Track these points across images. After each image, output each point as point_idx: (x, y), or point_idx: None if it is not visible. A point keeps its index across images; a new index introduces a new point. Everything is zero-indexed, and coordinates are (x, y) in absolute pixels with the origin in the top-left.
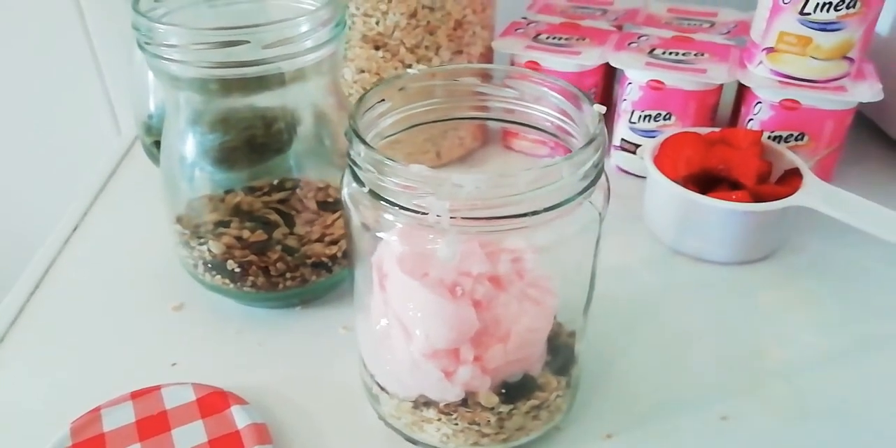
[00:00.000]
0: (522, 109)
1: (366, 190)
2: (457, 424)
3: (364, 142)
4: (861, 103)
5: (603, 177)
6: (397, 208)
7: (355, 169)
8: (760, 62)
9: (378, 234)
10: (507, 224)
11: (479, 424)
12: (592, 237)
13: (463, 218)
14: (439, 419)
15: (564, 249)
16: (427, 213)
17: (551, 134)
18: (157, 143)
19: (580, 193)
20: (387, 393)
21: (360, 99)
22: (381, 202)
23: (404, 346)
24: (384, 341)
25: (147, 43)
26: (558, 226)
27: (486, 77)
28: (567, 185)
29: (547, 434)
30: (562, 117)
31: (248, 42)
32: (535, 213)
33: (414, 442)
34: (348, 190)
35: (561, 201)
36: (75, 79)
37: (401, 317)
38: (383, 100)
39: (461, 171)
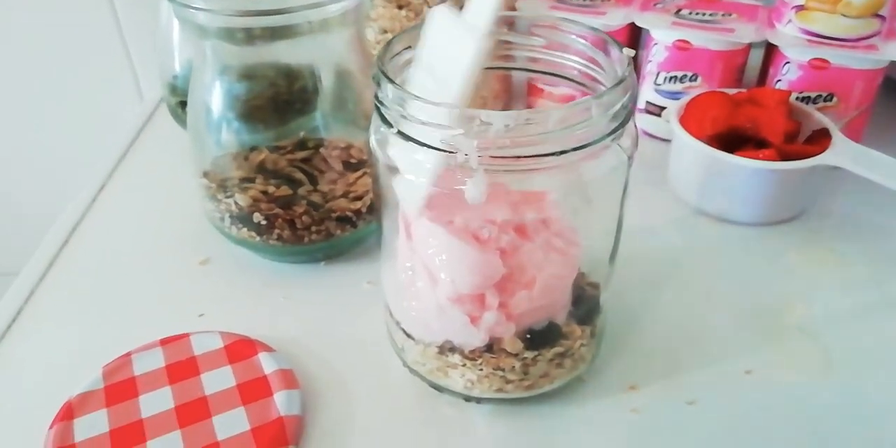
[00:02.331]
0: (549, 58)
1: (394, 131)
2: (481, 370)
3: (392, 81)
4: (889, 67)
5: (631, 121)
6: (426, 147)
7: (383, 110)
8: (789, 21)
9: (406, 176)
10: (536, 163)
11: (503, 370)
12: (620, 182)
13: (491, 157)
14: (464, 365)
15: (592, 194)
16: (455, 152)
17: (578, 83)
18: (182, 104)
19: (609, 135)
20: (412, 339)
21: (389, 42)
22: (410, 142)
23: (430, 291)
24: (410, 287)
25: None
26: (587, 168)
27: (512, 25)
28: (596, 126)
29: (570, 384)
30: (589, 64)
31: None
32: (563, 152)
33: (439, 388)
34: (376, 136)
35: (590, 141)
36: (98, 45)
37: (427, 262)
38: (409, 47)
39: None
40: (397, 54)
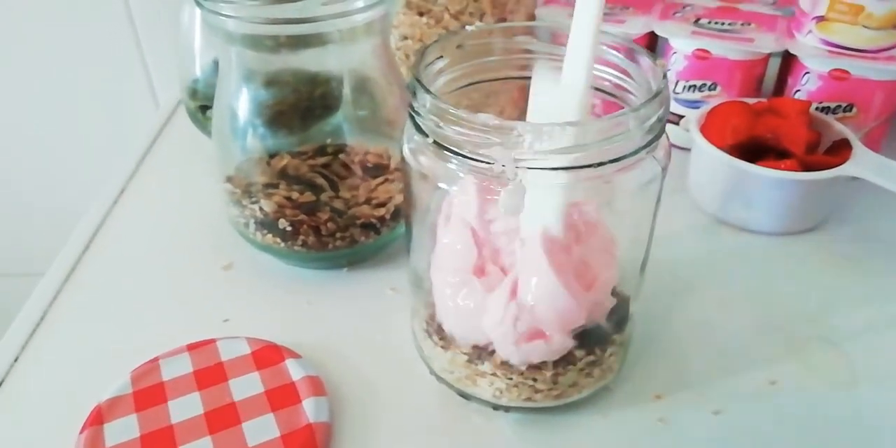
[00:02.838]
0: None
1: (430, 141)
2: (511, 379)
3: (429, 91)
4: None
5: (664, 134)
6: (462, 158)
7: (418, 120)
8: (810, 31)
9: (452, 189)
10: (573, 175)
11: (534, 380)
12: (653, 193)
13: (528, 168)
14: (493, 373)
15: (626, 205)
16: (492, 163)
17: (604, 92)
18: (202, 108)
19: (644, 147)
20: (440, 348)
21: (422, 52)
22: (445, 152)
23: (502, 306)
24: (462, 289)
25: None
26: (622, 180)
27: (532, 34)
28: (633, 138)
29: (597, 393)
30: (619, 74)
31: None
32: (601, 164)
33: (466, 397)
34: (409, 145)
35: (626, 153)
36: (114, 50)
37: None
38: (441, 56)
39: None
40: (430, 64)
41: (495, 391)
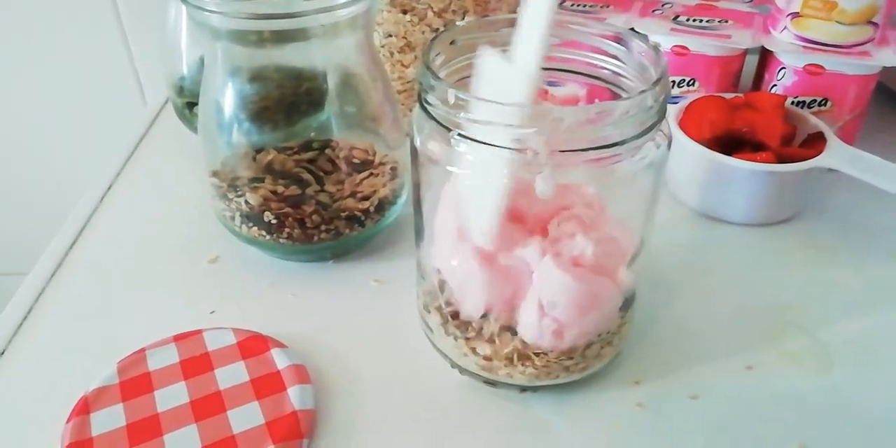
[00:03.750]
0: (562, 55)
1: (454, 134)
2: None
3: (445, 83)
4: (882, 73)
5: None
6: (492, 147)
7: (434, 112)
8: (785, 28)
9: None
10: (602, 154)
11: (570, 358)
12: (658, 170)
13: (560, 152)
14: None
15: (636, 184)
16: (524, 150)
17: (595, 77)
18: (189, 105)
19: (658, 122)
20: (461, 338)
21: (428, 50)
22: (474, 143)
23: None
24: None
25: None
26: (636, 159)
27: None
28: (650, 114)
29: (581, 378)
30: (608, 59)
31: None
32: (623, 142)
33: (493, 383)
34: (420, 136)
35: (646, 128)
36: (101, 47)
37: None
38: (439, 53)
39: None
40: (433, 60)
41: (529, 376)
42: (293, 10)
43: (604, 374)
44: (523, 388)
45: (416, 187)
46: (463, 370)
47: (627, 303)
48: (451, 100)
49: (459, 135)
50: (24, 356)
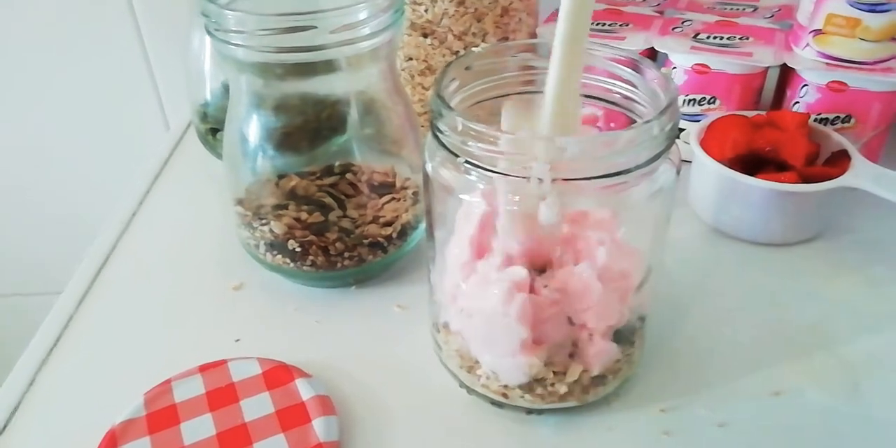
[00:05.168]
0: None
1: (462, 160)
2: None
3: (455, 111)
4: None
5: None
6: (498, 175)
7: (445, 140)
8: (807, 45)
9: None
10: (606, 182)
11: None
12: (670, 195)
13: (564, 180)
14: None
15: (645, 210)
16: (528, 177)
17: (609, 102)
18: (213, 131)
19: (665, 149)
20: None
21: (441, 76)
22: (481, 171)
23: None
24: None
25: (216, 29)
26: (644, 185)
27: (534, 51)
28: (657, 142)
29: (598, 404)
30: (622, 84)
31: (316, 27)
32: (629, 170)
33: (499, 405)
34: (432, 163)
35: (653, 156)
36: (124, 75)
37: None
38: (454, 79)
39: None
40: (447, 86)
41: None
42: (317, 43)
43: (627, 400)
44: (529, 411)
45: (429, 214)
46: (470, 390)
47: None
48: (459, 127)
49: (468, 162)
50: (53, 387)
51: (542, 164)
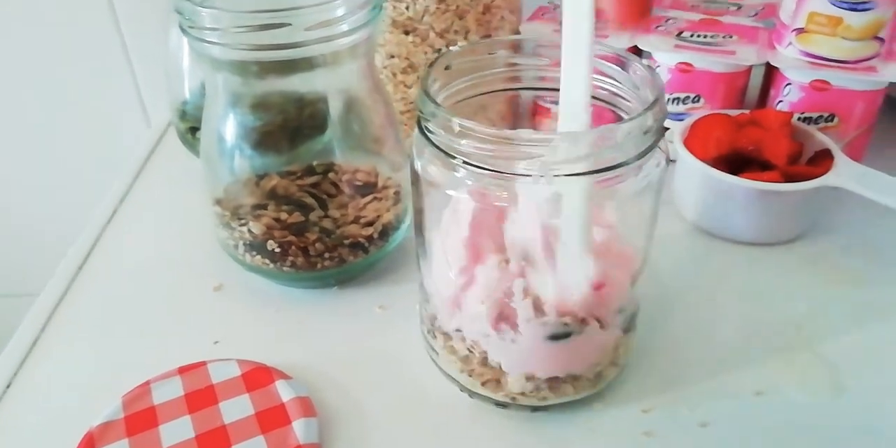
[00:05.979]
0: (558, 75)
1: (459, 161)
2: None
3: (448, 112)
4: (889, 88)
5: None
6: (499, 174)
7: (435, 140)
8: (790, 43)
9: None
10: (605, 175)
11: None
12: (657, 190)
13: (565, 175)
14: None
15: (635, 205)
16: (529, 175)
17: (594, 98)
18: (192, 129)
19: (657, 141)
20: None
21: (426, 77)
22: (481, 171)
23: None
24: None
25: (190, 27)
26: (634, 180)
27: (518, 49)
28: (649, 135)
29: (583, 402)
30: (608, 80)
31: (290, 24)
32: (625, 163)
33: (504, 405)
34: (420, 161)
35: (644, 149)
36: (105, 72)
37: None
38: (436, 79)
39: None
40: (432, 86)
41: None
42: (293, 40)
43: (609, 400)
44: (534, 408)
45: (418, 211)
46: (473, 394)
47: (631, 320)
48: (456, 129)
49: (465, 162)
50: (30, 390)
51: (544, 161)
